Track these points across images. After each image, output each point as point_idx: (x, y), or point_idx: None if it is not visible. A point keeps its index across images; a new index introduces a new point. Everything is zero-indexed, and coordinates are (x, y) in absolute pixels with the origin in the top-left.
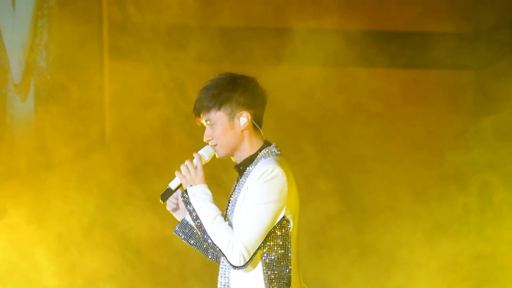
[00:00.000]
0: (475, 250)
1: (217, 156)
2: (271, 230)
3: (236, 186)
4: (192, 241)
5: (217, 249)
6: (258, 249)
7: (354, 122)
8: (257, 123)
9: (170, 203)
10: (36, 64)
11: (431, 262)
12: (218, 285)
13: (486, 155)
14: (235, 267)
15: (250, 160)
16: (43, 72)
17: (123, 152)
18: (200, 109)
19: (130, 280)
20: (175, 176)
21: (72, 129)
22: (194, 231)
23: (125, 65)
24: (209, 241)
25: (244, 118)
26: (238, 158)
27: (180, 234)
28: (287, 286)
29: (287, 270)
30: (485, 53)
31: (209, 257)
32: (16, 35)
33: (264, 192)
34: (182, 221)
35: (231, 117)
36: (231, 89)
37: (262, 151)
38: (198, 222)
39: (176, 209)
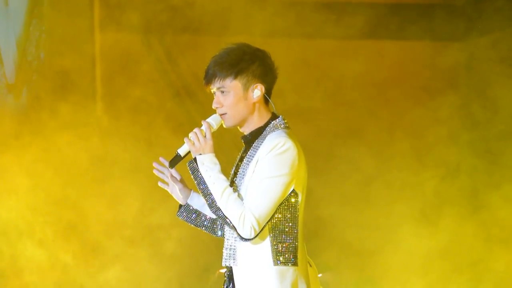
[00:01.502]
0: None
1: (224, 125)
2: (280, 203)
3: (244, 157)
4: (198, 222)
5: (227, 221)
6: (267, 221)
7: None
8: (268, 96)
9: (160, 182)
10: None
11: None
12: (223, 255)
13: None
14: (244, 239)
15: (258, 132)
16: (36, 71)
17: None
18: (213, 76)
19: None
20: (183, 143)
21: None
22: (198, 212)
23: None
24: (218, 212)
25: (258, 91)
26: (245, 129)
27: (185, 217)
28: (293, 258)
29: (294, 243)
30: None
31: (216, 235)
32: (10, 33)
33: (276, 165)
34: (184, 205)
35: (246, 87)
36: (249, 60)
37: (271, 124)
38: (206, 191)
39: (171, 190)
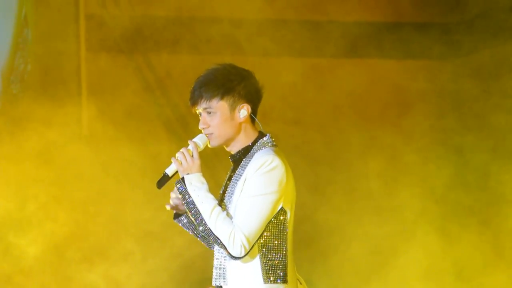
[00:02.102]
0: None
1: (209, 145)
2: (269, 220)
3: (232, 176)
4: (195, 231)
5: (217, 240)
6: (257, 239)
7: None
8: (254, 115)
9: (172, 202)
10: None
11: None
12: (213, 275)
13: None
14: (234, 257)
15: (246, 151)
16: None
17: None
18: (199, 97)
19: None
20: (171, 163)
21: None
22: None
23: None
24: (207, 231)
25: (244, 111)
26: (232, 148)
27: (186, 225)
28: (283, 276)
29: (284, 260)
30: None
31: (212, 247)
32: None
33: (263, 183)
34: (182, 214)
35: (233, 108)
36: (235, 80)
37: (258, 142)
38: (194, 211)
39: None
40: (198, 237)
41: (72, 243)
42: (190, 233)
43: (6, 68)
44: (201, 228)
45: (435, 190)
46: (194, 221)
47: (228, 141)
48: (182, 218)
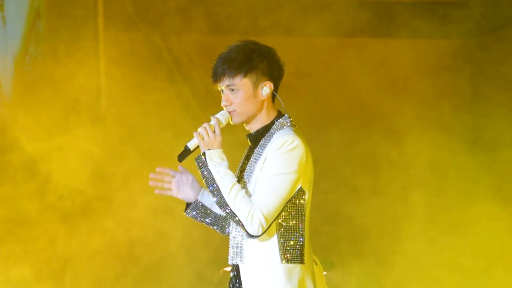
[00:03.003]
0: None
1: (231, 122)
2: (287, 200)
3: (251, 155)
4: (208, 220)
5: (235, 217)
6: (274, 219)
7: None
8: (276, 93)
9: (158, 190)
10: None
11: None
12: (230, 254)
13: None
14: (252, 236)
15: (265, 130)
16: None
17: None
18: (222, 74)
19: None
20: (192, 137)
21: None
22: (208, 210)
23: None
24: (225, 208)
25: (267, 88)
26: (252, 127)
27: (195, 215)
28: (300, 255)
29: (300, 240)
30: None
31: (224, 233)
32: (8, 52)
33: (284, 162)
34: (195, 201)
35: (255, 85)
36: (258, 58)
37: (277, 122)
38: (214, 186)
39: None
40: (208, 225)
41: None
42: (200, 222)
43: (19, 56)
44: (218, 205)
45: None
46: (213, 197)
47: (250, 119)
48: (190, 209)
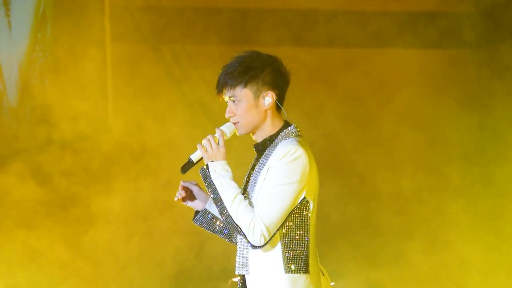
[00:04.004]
0: None
1: (237, 133)
2: (291, 211)
3: (256, 165)
4: (215, 228)
5: (238, 228)
6: (278, 229)
7: None
8: (280, 103)
9: (178, 194)
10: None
11: None
12: (236, 264)
13: None
14: (254, 246)
15: (270, 140)
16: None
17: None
18: (224, 85)
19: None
20: (196, 149)
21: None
22: (215, 219)
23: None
24: (228, 219)
25: (269, 98)
26: (258, 137)
27: (202, 223)
28: (305, 266)
29: (306, 251)
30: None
31: (233, 241)
32: (12, 57)
33: (287, 172)
34: (203, 210)
35: (257, 95)
36: (258, 67)
37: (283, 132)
38: (217, 198)
39: (185, 199)
40: (219, 234)
41: None
42: (209, 231)
43: (24, 61)
44: (222, 216)
45: None
46: (216, 208)
47: (254, 129)
48: (198, 217)
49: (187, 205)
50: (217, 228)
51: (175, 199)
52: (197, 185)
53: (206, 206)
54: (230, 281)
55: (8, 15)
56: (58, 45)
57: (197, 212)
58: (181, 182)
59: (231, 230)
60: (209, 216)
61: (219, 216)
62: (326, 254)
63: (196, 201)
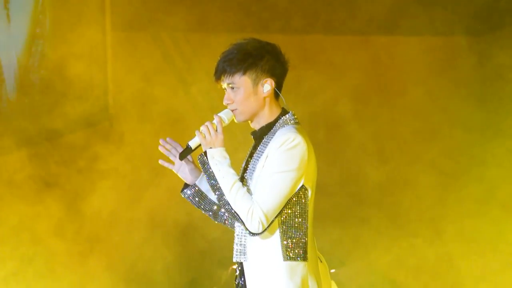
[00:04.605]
0: None
1: (235, 120)
2: (289, 198)
3: (254, 153)
4: (202, 205)
5: (236, 215)
6: (276, 216)
7: None
8: (278, 91)
9: (162, 160)
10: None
11: None
12: (234, 252)
13: None
14: (252, 233)
15: (268, 128)
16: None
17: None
18: (222, 72)
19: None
20: (194, 136)
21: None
22: (204, 195)
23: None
24: (226, 206)
25: (268, 85)
26: (256, 124)
27: (190, 197)
28: (303, 253)
29: (304, 238)
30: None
31: (217, 221)
32: (11, 50)
33: (285, 160)
34: (192, 185)
35: (255, 83)
36: (257, 55)
37: (281, 119)
38: (215, 185)
39: (178, 168)
40: (203, 210)
41: None
42: (195, 206)
43: (23, 54)
44: (220, 203)
45: None
46: (215, 195)
47: (252, 116)
48: (186, 191)
49: (179, 176)
50: (202, 205)
51: (161, 162)
52: (192, 162)
53: (197, 182)
54: (230, 268)
55: (7, 8)
56: (57, 37)
57: (186, 185)
58: (168, 139)
59: (217, 208)
60: (196, 190)
61: (207, 194)
62: (325, 240)
63: (187, 173)
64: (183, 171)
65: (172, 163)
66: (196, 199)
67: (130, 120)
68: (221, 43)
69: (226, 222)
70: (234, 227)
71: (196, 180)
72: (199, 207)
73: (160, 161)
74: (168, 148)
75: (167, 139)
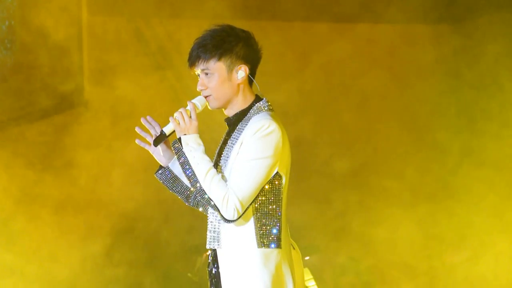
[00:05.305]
0: None
1: (209, 107)
2: (264, 185)
3: (228, 140)
4: (174, 188)
5: (211, 202)
6: (250, 203)
7: None
8: (252, 77)
9: (138, 140)
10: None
11: None
12: (208, 239)
13: None
14: (227, 220)
15: (243, 114)
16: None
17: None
18: (197, 58)
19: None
20: (168, 122)
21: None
22: (176, 178)
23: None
24: (201, 193)
25: (242, 72)
26: (230, 111)
27: (163, 180)
28: (277, 240)
29: (277, 225)
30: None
31: (190, 203)
32: None
33: (260, 147)
34: (165, 167)
35: (230, 69)
36: (232, 41)
37: (255, 106)
38: (189, 172)
39: (154, 150)
40: (177, 193)
41: None
42: (167, 188)
43: None
44: (194, 189)
45: None
46: (189, 182)
47: (226, 103)
48: (159, 173)
49: (155, 157)
50: (175, 188)
51: (138, 142)
52: (166, 142)
53: (170, 165)
54: (204, 254)
55: None
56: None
57: (160, 167)
58: (148, 117)
59: (188, 192)
60: (169, 174)
61: (179, 176)
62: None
63: (162, 157)
64: (157, 152)
65: (149, 143)
66: (170, 182)
67: (106, 99)
68: (197, 29)
69: (199, 207)
70: (207, 212)
71: (169, 163)
72: (172, 190)
73: (137, 141)
74: (148, 128)
75: (148, 117)
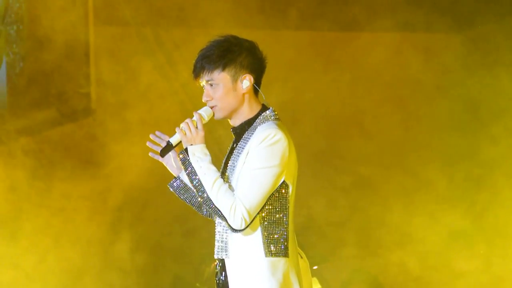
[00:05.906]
0: None
1: (215, 117)
2: (271, 194)
3: (234, 149)
4: (187, 198)
5: (218, 212)
6: (258, 213)
7: None
8: (257, 87)
9: (152, 153)
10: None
11: None
12: (215, 249)
13: None
14: (235, 230)
15: (248, 124)
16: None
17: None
18: (201, 69)
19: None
20: (175, 132)
21: None
22: (187, 187)
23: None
24: (208, 203)
25: (247, 81)
26: (236, 121)
27: (175, 189)
28: (284, 249)
29: (285, 234)
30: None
31: (204, 213)
32: None
33: (267, 156)
34: (176, 177)
35: (235, 79)
36: (236, 51)
37: (261, 115)
38: (196, 182)
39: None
40: (188, 203)
41: None
42: (181, 198)
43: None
44: (201, 199)
45: None
46: (196, 192)
47: (232, 113)
48: (172, 183)
49: (167, 167)
50: (187, 197)
51: (151, 155)
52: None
53: (180, 175)
54: (213, 264)
55: None
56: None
57: (174, 178)
58: (157, 132)
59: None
60: (180, 184)
61: (191, 186)
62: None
63: (171, 164)
64: (170, 164)
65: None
66: (182, 191)
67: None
68: (205, 38)
69: (211, 217)
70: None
71: (179, 173)
72: (184, 199)
73: (150, 154)
74: (157, 142)
75: (156, 132)
